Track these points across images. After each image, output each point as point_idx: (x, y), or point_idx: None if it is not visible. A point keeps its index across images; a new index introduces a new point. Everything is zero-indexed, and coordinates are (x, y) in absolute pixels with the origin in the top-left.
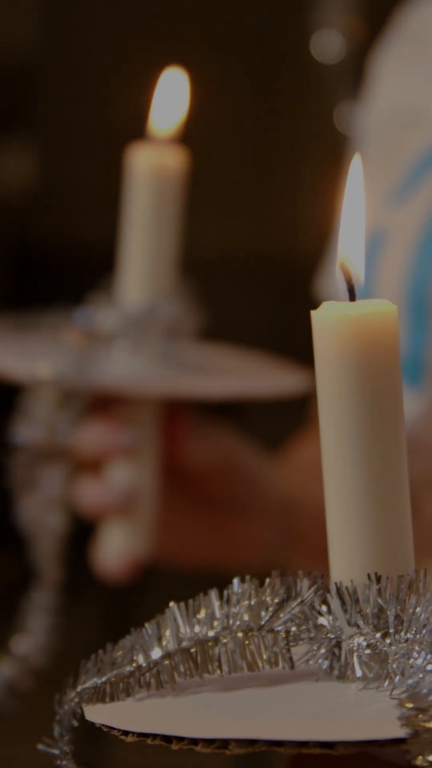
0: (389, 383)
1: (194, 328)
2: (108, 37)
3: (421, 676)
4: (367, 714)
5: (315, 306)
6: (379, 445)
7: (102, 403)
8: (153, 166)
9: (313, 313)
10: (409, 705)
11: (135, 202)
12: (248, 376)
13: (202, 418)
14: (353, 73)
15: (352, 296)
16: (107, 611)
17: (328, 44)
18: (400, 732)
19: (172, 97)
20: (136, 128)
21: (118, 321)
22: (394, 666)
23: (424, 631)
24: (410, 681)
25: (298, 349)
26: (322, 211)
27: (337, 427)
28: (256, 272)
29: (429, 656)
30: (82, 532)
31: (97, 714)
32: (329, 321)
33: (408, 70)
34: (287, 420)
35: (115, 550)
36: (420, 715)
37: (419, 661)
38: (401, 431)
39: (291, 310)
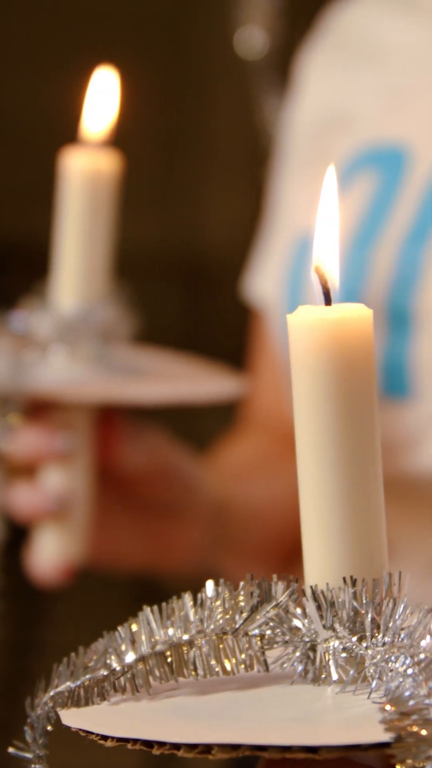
0: (365, 387)
1: (128, 333)
2: (34, 32)
3: (401, 680)
4: (347, 718)
5: (223, 301)
6: (355, 448)
7: (36, 408)
8: (87, 171)
9: (289, 317)
10: (392, 709)
11: (69, 206)
12: (184, 380)
13: (135, 423)
14: (275, 70)
15: (328, 300)
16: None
17: (251, 40)
18: (384, 736)
19: (102, 98)
20: (64, 126)
21: (53, 325)
22: (372, 670)
23: (402, 635)
24: (391, 684)
25: (204, 344)
26: (232, 207)
27: (312, 431)
28: (163, 267)
29: (409, 660)
30: (16, 536)
31: (73, 718)
32: (305, 325)
33: (336, 72)
34: (209, 421)
35: (49, 554)
36: (403, 719)
37: (398, 665)
38: (376, 435)
39: (198, 304)
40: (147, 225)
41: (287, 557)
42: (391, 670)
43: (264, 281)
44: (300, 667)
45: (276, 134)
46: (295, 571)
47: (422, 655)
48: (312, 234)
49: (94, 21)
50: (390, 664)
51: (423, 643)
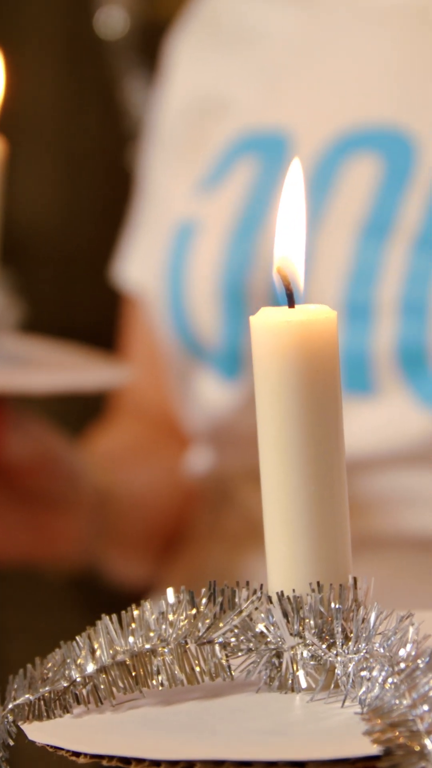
0: (330, 390)
1: (15, 320)
2: None
3: (380, 690)
4: (326, 729)
5: (39, 272)
6: (319, 451)
7: None
8: None
9: (252, 319)
10: (377, 720)
11: None
12: (70, 369)
13: (18, 412)
14: (136, 50)
15: (291, 302)
16: None
17: (112, 21)
18: (371, 748)
19: None
20: None
21: None
22: (344, 678)
23: (377, 644)
24: (370, 695)
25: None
26: (42, 179)
27: (277, 434)
28: None
29: (387, 669)
30: None
31: (38, 733)
32: (270, 327)
33: (208, 56)
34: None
35: None
36: (388, 732)
37: (374, 674)
38: (341, 438)
39: (13, 277)
40: None
41: (167, 544)
42: (369, 680)
43: (138, 267)
44: (265, 675)
45: (139, 116)
46: (174, 557)
47: (402, 665)
48: (191, 220)
49: None
50: (365, 672)
51: (402, 652)
